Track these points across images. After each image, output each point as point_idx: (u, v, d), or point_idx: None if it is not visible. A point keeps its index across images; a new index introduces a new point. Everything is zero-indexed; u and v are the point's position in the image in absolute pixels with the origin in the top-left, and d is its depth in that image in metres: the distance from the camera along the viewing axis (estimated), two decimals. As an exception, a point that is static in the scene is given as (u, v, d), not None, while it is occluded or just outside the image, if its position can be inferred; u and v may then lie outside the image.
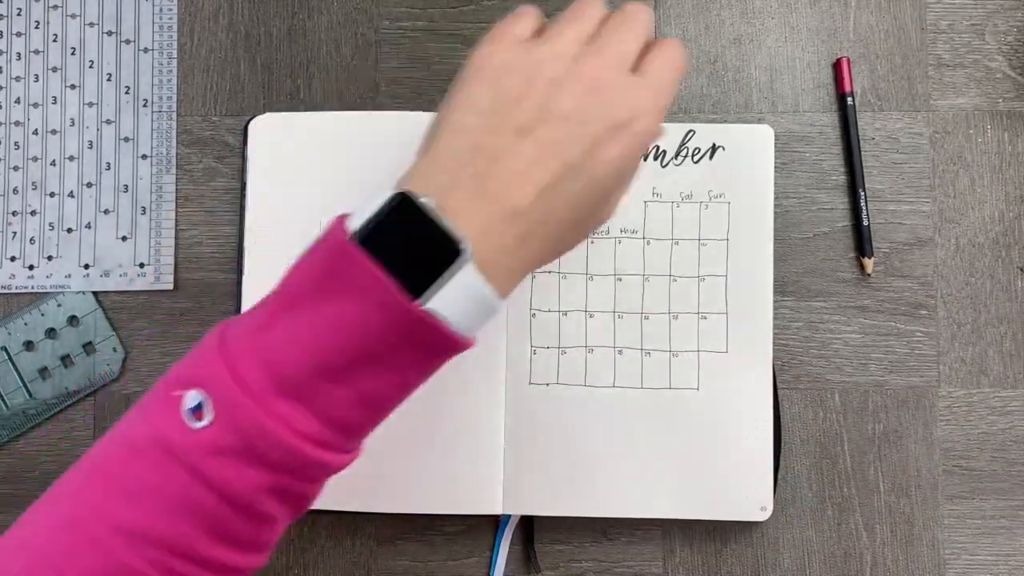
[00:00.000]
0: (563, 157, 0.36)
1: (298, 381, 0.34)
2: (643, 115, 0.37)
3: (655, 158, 0.53)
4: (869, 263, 0.54)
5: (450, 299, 0.34)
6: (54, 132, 0.55)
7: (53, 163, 0.54)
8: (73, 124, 0.55)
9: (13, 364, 0.53)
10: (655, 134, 0.38)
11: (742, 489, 0.51)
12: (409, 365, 0.36)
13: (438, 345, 0.36)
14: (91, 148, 0.54)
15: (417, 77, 0.55)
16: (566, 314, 0.53)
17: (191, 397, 0.34)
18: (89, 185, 0.54)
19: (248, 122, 0.54)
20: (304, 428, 0.35)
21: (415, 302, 0.34)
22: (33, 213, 0.54)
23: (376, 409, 0.37)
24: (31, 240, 0.54)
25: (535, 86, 0.36)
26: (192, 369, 0.36)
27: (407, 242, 0.34)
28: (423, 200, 0.35)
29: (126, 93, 0.55)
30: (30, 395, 0.53)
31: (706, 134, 0.53)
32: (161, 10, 0.55)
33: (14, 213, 0.54)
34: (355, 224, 0.35)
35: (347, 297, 0.34)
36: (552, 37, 0.38)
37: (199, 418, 0.34)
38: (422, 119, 0.52)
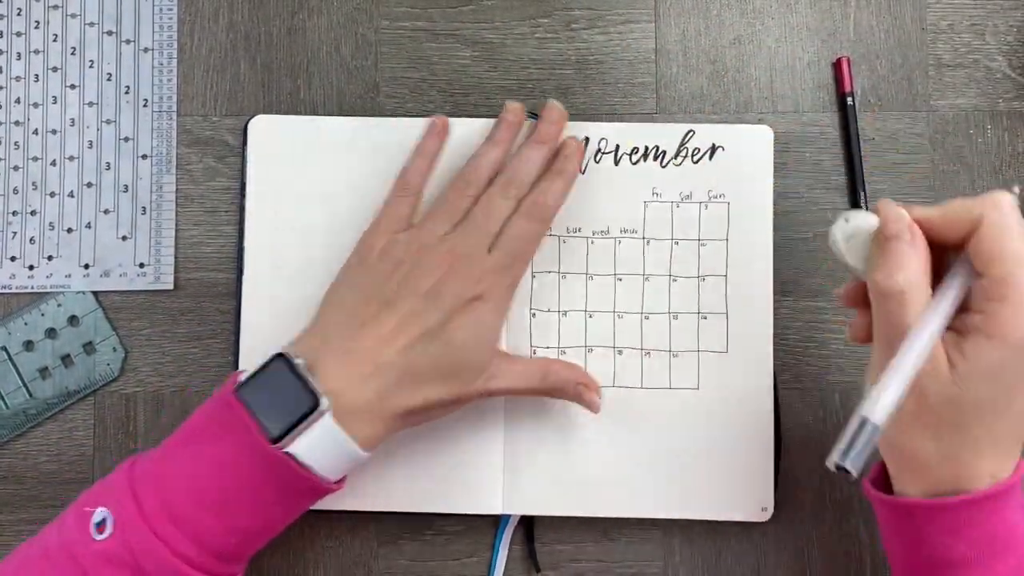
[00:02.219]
0: (421, 324, 0.44)
1: (182, 511, 0.41)
2: (490, 291, 0.46)
3: (655, 158, 0.53)
4: (869, 263, 0.54)
5: (310, 445, 0.41)
6: (54, 132, 0.55)
7: (53, 163, 0.54)
8: (73, 124, 0.55)
9: (13, 364, 0.53)
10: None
11: (742, 489, 0.51)
12: (275, 502, 0.42)
13: (298, 484, 0.42)
14: (91, 148, 0.54)
15: (417, 77, 0.55)
16: (566, 314, 0.53)
17: (98, 513, 0.41)
18: (89, 185, 0.54)
19: (248, 122, 0.54)
20: (183, 550, 0.40)
21: (275, 445, 0.40)
22: (33, 213, 0.54)
23: (248, 539, 0.43)
24: (31, 240, 0.54)
25: (402, 267, 0.45)
26: (103, 488, 0.42)
27: (278, 395, 0.41)
28: (296, 360, 0.42)
29: (126, 93, 0.55)
30: (30, 395, 0.53)
31: (706, 134, 0.53)
32: (161, 10, 0.55)
33: (14, 213, 0.54)
34: (242, 379, 0.42)
35: (225, 440, 0.41)
36: (425, 223, 0.47)
37: (101, 531, 0.40)
38: (421, 124, 0.53)
